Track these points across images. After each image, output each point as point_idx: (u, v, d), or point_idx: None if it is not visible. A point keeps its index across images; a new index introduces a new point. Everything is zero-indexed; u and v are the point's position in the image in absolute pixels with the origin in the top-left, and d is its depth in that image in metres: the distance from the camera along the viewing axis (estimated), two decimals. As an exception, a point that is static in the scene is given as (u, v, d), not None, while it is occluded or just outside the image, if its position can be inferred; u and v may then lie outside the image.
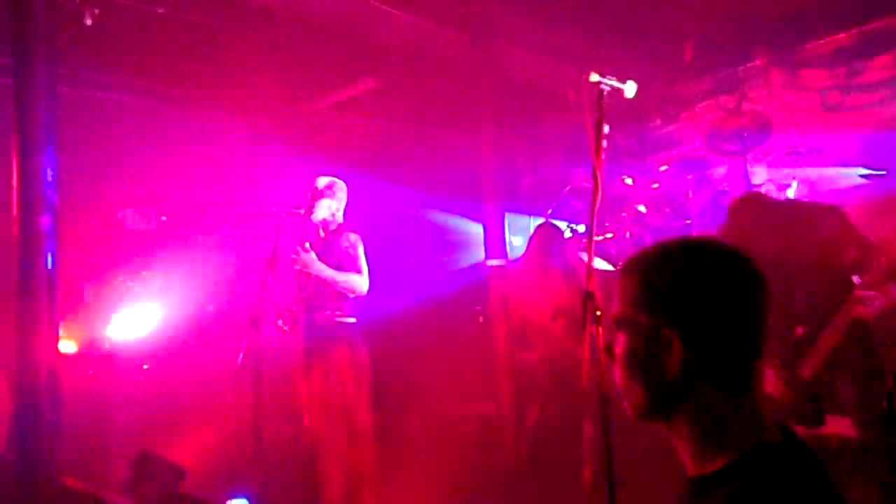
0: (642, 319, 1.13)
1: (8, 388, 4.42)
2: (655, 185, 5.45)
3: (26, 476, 3.62)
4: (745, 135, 4.85)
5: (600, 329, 2.27)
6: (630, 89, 2.41)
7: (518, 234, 6.37)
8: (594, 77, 2.35)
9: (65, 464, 3.73)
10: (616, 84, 2.38)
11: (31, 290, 3.66)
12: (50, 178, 3.71)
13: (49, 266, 3.67)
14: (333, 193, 4.30)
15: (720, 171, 5.54)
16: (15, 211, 3.64)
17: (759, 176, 4.93)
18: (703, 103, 6.09)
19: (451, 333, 6.25)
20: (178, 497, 3.46)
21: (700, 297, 1.10)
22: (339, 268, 4.14)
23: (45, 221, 3.64)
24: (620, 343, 1.17)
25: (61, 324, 4.02)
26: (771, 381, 2.82)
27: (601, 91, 2.35)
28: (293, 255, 4.07)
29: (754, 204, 3.31)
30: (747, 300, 1.10)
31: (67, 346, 5.26)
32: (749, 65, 5.81)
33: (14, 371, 3.80)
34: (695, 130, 5.96)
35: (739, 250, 1.15)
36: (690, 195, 5.24)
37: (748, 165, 4.94)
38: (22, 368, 3.70)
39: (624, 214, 5.38)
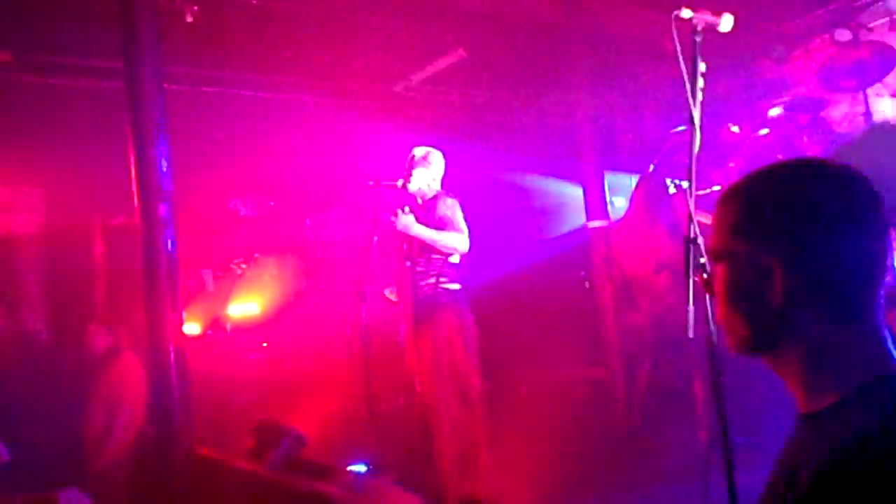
0: (740, 248, 1.06)
1: (142, 369, 4.79)
2: (765, 131, 5.13)
3: (165, 447, 3.91)
4: (865, 68, 4.47)
5: (706, 277, 2.17)
6: (726, 23, 2.26)
7: (619, 195, 6.18)
8: (686, 13, 2.22)
9: (197, 435, 4.00)
10: (710, 18, 2.24)
11: (154, 275, 3.92)
12: (165, 170, 3.94)
13: (169, 251, 3.92)
14: (429, 163, 4.33)
15: (838, 111, 5.14)
16: (135, 201, 3.90)
17: (885, 110, 4.54)
18: (816, 39, 5.65)
19: (556, 299, 6.19)
20: (301, 463, 3.63)
21: (802, 220, 1.01)
22: (437, 229, 4.16)
23: (163, 209, 3.88)
24: (719, 277, 1.10)
25: (185, 308, 4.30)
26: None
27: (694, 27, 2.22)
28: (392, 217, 4.12)
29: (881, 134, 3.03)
30: (857, 221, 1.01)
31: (192, 328, 5.62)
32: (866, -8, 5.34)
33: (146, 352, 4.11)
34: (807, 69, 5.55)
35: (852, 168, 1.05)
36: (805, 139, 4.90)
37: (870, 101, 4.56)
38: (152, 348, 3.99)
39: (731, 165, 5.12)
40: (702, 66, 2.24)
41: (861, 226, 1.01)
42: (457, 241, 4.15)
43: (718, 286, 1.11)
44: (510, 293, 6.07)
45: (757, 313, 1.05)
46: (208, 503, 3.67)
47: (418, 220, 4.18)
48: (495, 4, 5.63)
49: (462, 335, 4.21)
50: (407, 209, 4.17)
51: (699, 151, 2.39)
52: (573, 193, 5.98)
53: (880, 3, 5.34)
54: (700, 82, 2.21)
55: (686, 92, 2.29)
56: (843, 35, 5.37)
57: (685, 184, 5.71)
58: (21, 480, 3.75)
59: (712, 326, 2.24)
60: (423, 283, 4.24)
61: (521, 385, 6.04)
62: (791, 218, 1.02)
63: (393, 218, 4.12)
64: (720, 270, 1.10)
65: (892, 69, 4.51)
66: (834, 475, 0.91)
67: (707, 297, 2.25)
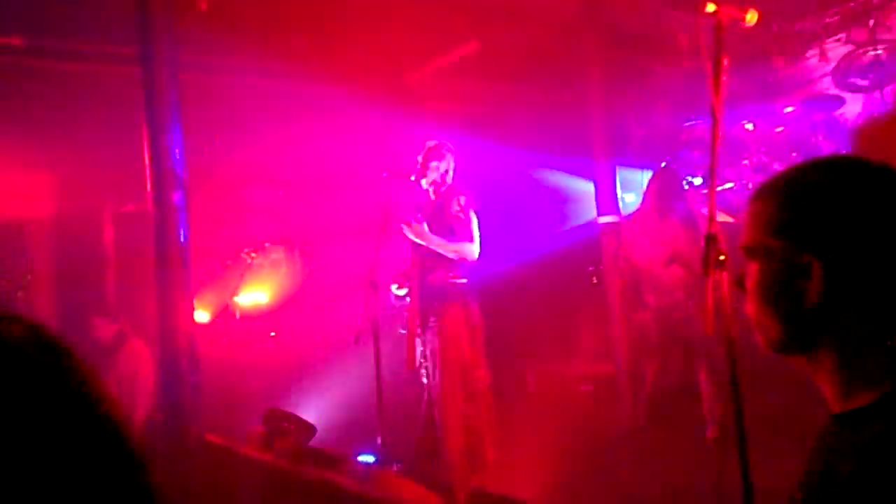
0: (777, 245, 1.04)
1: (151, 357, 4.81)
2: (780, 129, 5.11)
3: (174, 433, 3.93)
4: (881, 67, 4.44)
5: (724, 275, 2.16)
6: (751, 18, 2.24)
7: (630, 191, 6.17)
8: (710, 7, 2.20)
9: (206, 422, 4.01)
10: (735, 13, 2.22)
11: (167, 263, 3.93)
12: (178, 157, 3.95)
13: (182, 239, 3.93)
14: (442, 156, 4.33)
15: (854, 109, 5.12)
16: (149, 188, 3.91)
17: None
18: (832, 38, 5.61)
19: (565, 293, 6.18)
20: (310, 452, 3.64)
21: (843, 218, 1.00)
22: (450, 231, 4.18)
23: (177, 197, 3.88)
24: (752, 274, 1.09)
25: (195, 295, 4.30)
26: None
27: (719, 22, 2.20)
28: (405, 225, 4.15)
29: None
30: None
31: (202, 315, 5.63)
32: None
33: (156, 339, 4.12)
34: (823, 68, 5.52)
35: (889, 167, 1.04)
36: (820, 138, 4.88)
37: (887, 100, 4.53)
38: (163, 336, 4.00)
39: (745, 162, 5.10)
40: (724, 62, 2.22)
41: None
42: (466, 252, 4.19)
43: (751, 284, 1.09)
44: (519, 287, 6.06)
45: (793, 312, 1.03)
46: (218, 490, 3.69)
47: (430, 219, 4.19)
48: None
49: (469, 328, 4.22)
50: (419, 216, 4.19)
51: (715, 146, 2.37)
52: (584, 188, 5.97)
53: (897, 2, 5.30)
54: (723, 77, 2.19)
55: (701, 88, 2.27)
56: (860, 34, 5.34)
57: (697, 180, 5.71)
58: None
59: (725, 323, 2.23)
60: (431, 277, 4.25)
61: (527, 379, 6.05)
62: (831, 215, 1.01)
63: (405, 228, 4.14)
64: (754, 268, 1.09)
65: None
66: (875, 473, 0.90)
67: (721, 293, 2.24)
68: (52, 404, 0.71)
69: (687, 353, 4.63)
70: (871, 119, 3.91)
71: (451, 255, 4.17)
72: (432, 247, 4.15)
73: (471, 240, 4.20)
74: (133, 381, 4.83)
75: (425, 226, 4.17)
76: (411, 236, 4.18)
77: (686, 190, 5.00)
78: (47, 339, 0.76)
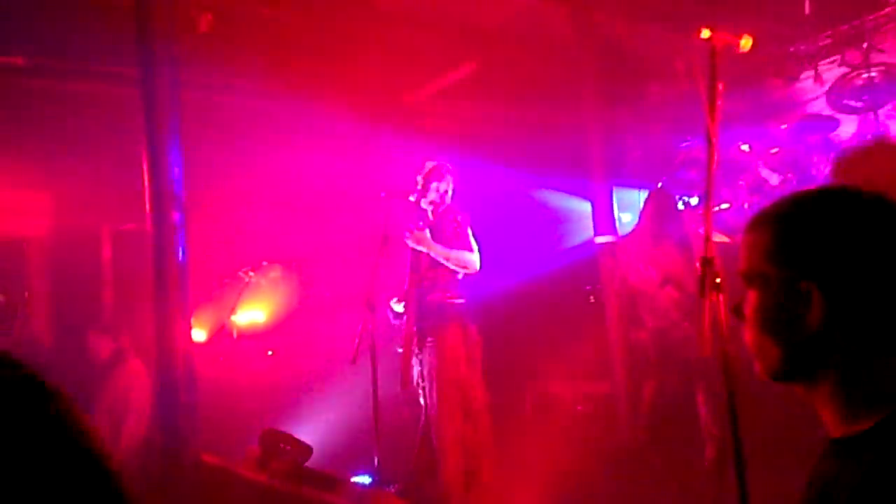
0: (775, 273, 1.05)
1: (148, 376, 4.79)
2: (775, 150, 5.15)
3: (170, 453, 3.91)
4: (875, 89, 4.49)
5: (721, 297, 2.17)
6: (746, 44, 2.28)
7: (626, 211, 6.20)
8: (706, 33, 2.23)
9: (202, 442, 3.99)
10: (729, 39, 2.26)
11: (165, 282, 3.93)
12: (177, 176, 3.96)
13: (181, 258, 3.93)
14: (442, 176, 4.35)
15: (848, 130, 5.16)
16: (147, 207, 3.92)
17: (896, 130, 4.56)
18: (826, 60, 5.67)
19: (563, 313, 6.18)
20: (306, 473, 3.62)
21: (841, 246, 1.01)
22: (449, 246, 4.18)
23: (175, 216, 3.90)
24: (750, 301, 1.09)
25: (193, 314, 4.30)
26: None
27: (713, 48, 2.23)
28: (407, 232, 4.14)
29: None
30: (894, 247, 1.02)
31: (198, 334, 5.62)
32: (879, 13, 5.36)
33: (153, 358, 4.11)
34: (817, 90, 5.57)
35: (886, 196, 1.06)
36: (814, 159, 4.91)
37: (881, 121, 4.58)
38: (160, 355, 3.99)
39: (741, 183, 5.13)
40: (719, 87, 2.26)
41: None
42: (468, 260, 4.19)
43: (750, 311, 1.10)
44: (516, 307, 6.06)
45: (793, 339, 1.04)
46: (213, 511, 3.66)
47: (430, 234, 4.19)
48: (507, 20, 5.67)
49: (466, 348, 4.22)
50: (421, 224, 4.19)
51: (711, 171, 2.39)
52: (581, 208, 5.99)
53: (891, 26, 5.37)
54: (718, 102, 2.22)
55: (697, 109, 2.30)
56: (854, 56, 5.40)
57: (693, 200, 5.74)
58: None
59: (722, 345, 2.24)
60: (429, 297, 4.25)
61: (524, 399, 6.03)
62: (829, 243, 1.02)
63: (407, 234, 4.15)
64: (752, 295, 1.09)
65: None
66: (872, 499, 0.91)
67: (719, 317, 2.25)
68: (40, 447, 0.72)
69: (685, 374, 4.63)
70: (848, 150, 3.97)
71: (452, 264, 4.15)
72: (433, 254, 4.13)
73: (471, 250, 4.21)
74: (128, 399, 4.81)
75: (427, 232, 4.16)
76: (413, 244, 4.16)
77: (681, 211, 5.02)
78: (33, 379, 0.77)
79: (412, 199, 4.24)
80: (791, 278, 1.04)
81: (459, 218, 4.26)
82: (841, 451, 1.02)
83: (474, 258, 4.19)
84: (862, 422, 1.00)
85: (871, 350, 1.01)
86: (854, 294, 1.01)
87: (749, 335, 1.11)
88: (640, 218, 5.01)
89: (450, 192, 4.39)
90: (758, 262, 1.08)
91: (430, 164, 4.36)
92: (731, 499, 2.27)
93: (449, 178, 4.38)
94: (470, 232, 4.27)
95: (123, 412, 4.77)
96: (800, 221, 1.06)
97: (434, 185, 4.29)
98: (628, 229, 5.60)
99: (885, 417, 0.98)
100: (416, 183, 4.31)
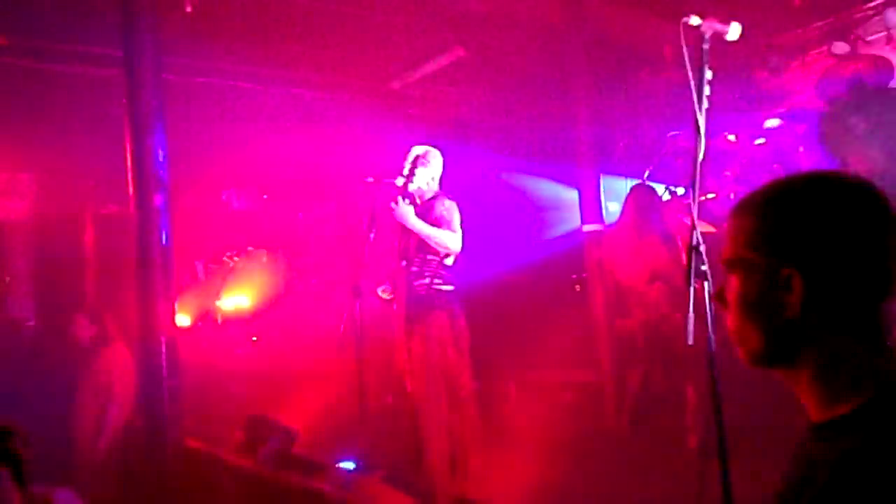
0: (756, 258, 1.06)
1: (132, 360, 4.76)
2: (761, 141, 5.17)
3: (153, 438, 3.89)
4: (862, 80, 4.51)
5: (707, 285, 2.18)
6: (734, 31, 2.27)
7: (614, 199, 6.21)
8: (694, 20, 2.23)
9: (186, 427, 3.97)
10: (718, 26, 2.25)
11: (148, 265, 3.90)
12: (161, 159, 3.92)
13: (164, 242, 3.89)
14: (428, 162, 4.32)
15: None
16: (130, 190, 3.88)
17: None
18: (814, 51, 5.68)
19: (548, 301, 6.20)
20: (291, 458, 3.62)
21: (823, 232, 1.02)
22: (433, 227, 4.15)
23: (158, 199, 3.86)
24: (732, 287, 1.10)
25: (176, 298, 4.26)
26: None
27: (702, 35, 2.22)
28: (392, 204, 4.09)
29: None
30: (875, 235, 1.02)
31: (182, 319, 5.58)
32: (866, 5, 5.37)
33: (137, 341, 4.08)
34: (805, 81, 5.59)
35: (867, 183, 1.06)
36: (801, 150, 4.94)
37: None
38: (143, 338, 3.96)
39: (727, 173, 5.15)
40: (708, 74, 2.25)
41: (878, 240, 1.02)
42: (450, 241, 4.14)
43: (731, 297, 1.10)
44: (502, 294, 6.07)
45: (774, 324, 1.05)
46: (197, 495, 3.65)
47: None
48: (496, 5, 5.63)
49: (453, 336, 4.21)
50: (407, 201, 4.15)
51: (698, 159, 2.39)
52: (569, 196, 5.99)
53: (877, 18, 5.39)
54: (706, 90, 2.22)
55: (685, 98, 2.29)
56: (841, 47, 5.41)
57: (680, 190, 5.75)
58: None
59: (711, 333, 2.25)
60: (417, 283, 4.23)
61: (510, 387, 6.05)
62: (810, 228, 1.03)
63: (393, 205, 4.09)
64: (734, 281, 1.10)
65: (888, 82, 4.56)
66: (848, 483, 0.92)
67: (706, 304, 2.26)
68: None
69: (672, 364, 4.66)
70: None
71: (434, 243, 4.12)
72: (417, 230, 4.09)
73: (453, 230, 4.17)
74: (111, 383, 4.78)
75: (412, 208, 4.12)
76: (398, 216, 4.10)
77: (662, 205, 5.05)
78: None
79: (399, 183, 4.21)
80: (772, 264, 1.04)
81: (446, 203, 4.24)
82: (821, 435, 1.03)
83: (456, 238, 4.15)
84: (842, 406, 1.01)
85: (850, 336, 1.02)
86: (834, 280, 1.01)
87: (730, 321, 1.12)
88: (622, 213, 5.04)
89: (437, 178, 4.37)
90: (739, 248, 1.09)
91: (416, 150, 4.33)
92: (714, 486, 2.29)
93: (436, 163, 4.35)
94: (456, 217, 4.25)
95: (107, 396, 4.73)
96: (781, 207, 1.06)
97: (420, 170, 4.26)
98: (613, 222, 5.62)
99: (864, 402, 0.99)
100: (403, 168, 4.28)
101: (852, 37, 5.18)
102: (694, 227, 2.24)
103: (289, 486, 3.28)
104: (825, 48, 5.59)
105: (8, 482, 1.60)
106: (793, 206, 1.05)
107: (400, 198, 4.09)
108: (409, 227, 4.09)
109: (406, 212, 4.09)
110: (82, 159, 5.54)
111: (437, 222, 4.16)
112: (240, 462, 3.58)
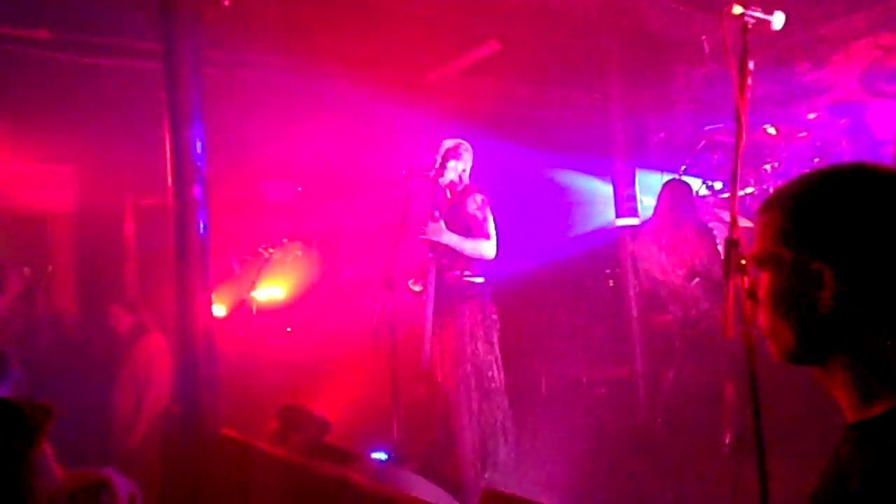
0: (787, 254, 1.03)
1: (169, 350, 4.85)
2: (803, 134, 5.05)
3: (190, 427, 3.95)
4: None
5: (746, 279, 2.14)
6: (778, 20, 2.22)
7: (649, 193, 6.13)
8: (737, 9, 2.18)
9: (222, 416, 4.03)
10: (762, 15, 2.20)
11: (186, 256, 3.95)
12: (200, 151, 3.97)
13: (202, 233, 3.95)
14: (460, 155, 4.32)
15: (878, 115, 5.05)
16: (170, 181, 3.93)
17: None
18: (858, 42, 5.52)
19: (582, 295, 6.16)
20: (324, 448, 3.65)
21: (853, 225, 0.99)
22: (466, 230, 4.18)
23: (197, 191, 3.90)
24: (763, 283, 1.08)
25: (213, 289, 4.32)
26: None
27: (745, 24, 2.18)
28: (423, 227, 4.14)
29: None
30: None
31: (218, 309, 5.66)
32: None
33: (174, 332, 4.15)
34: (849, 72, 5.44)
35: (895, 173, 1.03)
36: (844, 143, 4.81)
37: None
38: (180, 329, 4.02)
39: (766, 167, 5.04)
40: (750, 64, 2.21)
41: None
42: (485, 249, 4.19)
43: (763, 293, 1.09)
44: (535, 288, 6.05)
45: (806, 320, 1.03)
46: (232, 483, 3.71)
47: (447, 218, 4.19)
48: (531, -3, 5.59)
49: (484, 328, 4.22)
50: (437, 213, 4.17)
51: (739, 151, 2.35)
52: (603, 190, 5.94)
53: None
54: (748, 81, 2.18)
55: (721, 92, 2.26)
56: (886, 38, 5.26)
57: (717, 184, 5.66)
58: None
59: (749, 328, 2.21)
60: (448, 275, 4.24)
61: (541, 380, 6.03)
62: (840, 222, 1.00)
63: (423, 227, 4.14)
64: (765, 277, 1.08)
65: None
66: (884, 483, 0.89)
67: (742, 298, 2.22)
68: None
69: (711, 360, 4.60)
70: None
71: (468, 253, 4.16)
72: (451, 244, 4.14)
73: (488, 237, 4.20)
74: (149, 372, 4.87)
75: (442, 223, 4.16)
76: (430, 236, 4.17)
77: (695, 200, 4.98)
78: None
79: (430, 175, 4.22)
80: (802, 259, 1.02)
81: (479, 199, 4.24)
82: (857, 435, 1.01)
83: (490, 246, 4.19)
84: (878, 405, 0.99)
85: (884, 332, 0.99)
86: (866, 274, 0.98)
87: (762, 317, 1.10)
88: (656, 208, 4.97)
89: (468, 171, 4.37)
90: (769, 244, 1.07)
91: (447, 143, 4.33)
92: (750, 484, 2.25)
93: (467, 156, 4.36)
94: (489, 214, 4.25)
95: (144, 385, 4.83)
96: (811, 201, 1.04)
97: (452, 163, 4.27)
98: (647, 217, 5.56)
99: None
100: (435, 161, 4.29)
101: (899, 27, 5.03)
102: (734, 221, 2.20)
103: (321, 474, 3.30)
104: (870, 39, 5.43)
105: (51, 459, 1.65)
106: (821, 200, 1.03)
107: (427, 220, 4.12)
108: (445, 243, 4.12)
109: (436, 230, 4.12)
110: (123, 151, 5.64)
111: (469, 226, 4.16)
112: (273, 450, 3.62)
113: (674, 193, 4.92)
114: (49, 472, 1.64)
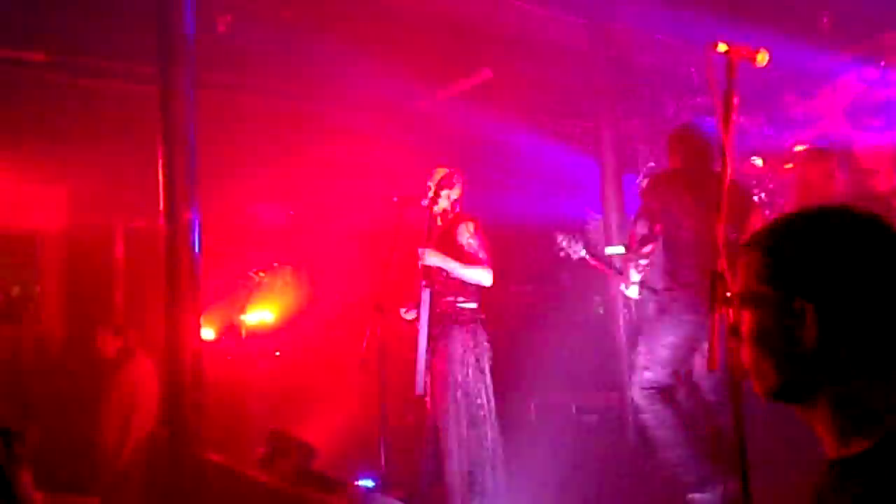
0: (768, 292, 1.05)
1: (156, 374, 4.82)
2: (789, 166, 5.12)
3: (176, 451, 3.92)
4: (894, 107, 4.47)
5: (730, 311, 2.16)
6: (762, 58, 2.27)
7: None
8: (722, 47, 2.23)
9: (208, 441, 4.00)
10: (746, 54, 2.25)
11: (177, 280, 3.95)
12: (193, 175, 3.98)
13: (192, 256, 3.95)
14: (452, 184, 4.35)
15: (864, 148, 5.13)
16: (161, 204, 3.94)
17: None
18: (844, 76, 5.64)
19: (571, 322, 6.17)
20: (310, 474, 3.63)
21: (835, 264, 1.01)
22: (459, 258, 4.19)
23: (189, 214, 3.91)
24: (747, 321, 1.09)
25: (202, 312, 4.31)
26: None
27: (730, 62, 2.23)
28: (416, 253, 4.15)
29: None
30: (887, 268, 1.00)
31: (207, 333, 5.64)
32: (897, 31, 5.33)
33: (162, 354, 4.13)
34: (834, 106, 5.54)
35: (878, 216, 1.05)
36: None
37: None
38: (169, 352, 4.00)
39: (754, 198, 5.10)
40: (735, 100, 2.25)
41: (891, 272, 1.01)
42: (482, 278, 4.20)
43: (746, 330, 1.10)
44: (524, 315, 6.05)
45: (789, 358, 1.04)
46: (217, 509, 3.68)
47: (438, 241, 4.20)
48: (523, 28, 5.68)
49: (476, 354, 4.21)
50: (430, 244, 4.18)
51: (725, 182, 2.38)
52: (594, 218, 5.98)
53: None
54: (733, 116, 2.22)
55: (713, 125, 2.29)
56: (871, 73, 5.37)
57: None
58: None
59: (730, 359, 2.23)
60: (440, 301, 4.25)
61: (530, 407, 6.01)
62: (821, 260, 1.02)
63: (421, 252, 4.15)
64: (748, 315, 1.09)
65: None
66: None
67: (727, 330, 2.24)
68: None
69: (698, 390, 4.59)
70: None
71: (466, 279, 4.16)
72: (447, 269, 4.14)
73: (482, 265, 4.21)
74: (135, 396, 4.84)
75: (439, 256, 4.16)
76: (429, 263, 4.16)
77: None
78: None
79: (424, 203, 4.25)
80: (785, 297, 1.03)
81: (471, 227, 4.26)
82: (838, 472, 1.02)
83: (486, 274, 4.19)
84: (859, 442, 1.00)
85: (866, 370, 1.00)
86: (848, 313, 1.00)
87: (746, 355, 1.11)
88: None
89: (459, 200, 4.40)
90: (753, 282, 1.08)
91: (440, 171, 4.37)
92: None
93: (459, 185, 4.39)
94: (481, 241, 4.26)
95: (131, 409, 4.80)
96: (793, 240, 1.06)
97: (445, 192, 4.30)
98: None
99: (881, 439, 0.98)
100: (427, 189, 4.32)
101: (883, 63, 5.13)
102: (720, 253, 2.23)
103: (307, 501, 3.28)
104: (854, 73, 5.55)
105: (30, 484, 1.63)
106: (804, 239, 1.05)
107: (421, 249, 4.12)
108: (441, 266, 4.13)
109: (434, 259, 4.13)
110: (115, 173, 5.65)
111: (461, 257, 4.17)
112: (259, 476, 3.59)
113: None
114: (29, 498, 1.62)
